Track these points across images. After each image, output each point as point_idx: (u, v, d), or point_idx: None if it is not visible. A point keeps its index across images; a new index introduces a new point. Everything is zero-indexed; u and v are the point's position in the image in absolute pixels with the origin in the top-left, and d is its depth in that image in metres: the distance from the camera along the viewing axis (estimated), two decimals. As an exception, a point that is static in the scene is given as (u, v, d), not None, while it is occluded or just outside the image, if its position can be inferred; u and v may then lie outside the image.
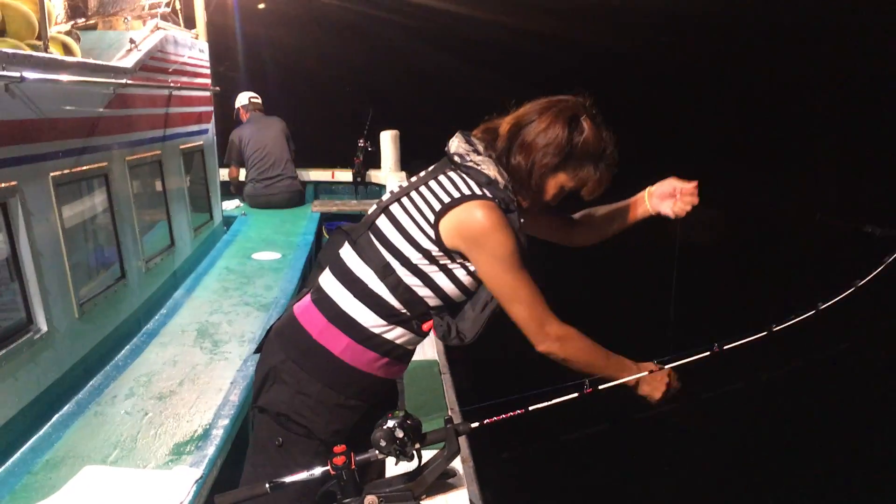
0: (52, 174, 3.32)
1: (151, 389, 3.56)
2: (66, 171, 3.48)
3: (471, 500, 1.93)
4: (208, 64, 6.56)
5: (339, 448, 1.82)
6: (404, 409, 1.86)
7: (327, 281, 2.04)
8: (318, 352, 1.99)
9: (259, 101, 8.18)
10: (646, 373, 2.00)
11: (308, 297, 2.09)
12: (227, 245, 6.47)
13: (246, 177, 7.97)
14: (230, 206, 7.83)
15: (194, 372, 3.72)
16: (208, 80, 6.51)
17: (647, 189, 2.25)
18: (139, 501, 2.56)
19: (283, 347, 2.05)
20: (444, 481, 1.98)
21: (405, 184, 2.04)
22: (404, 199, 1.97)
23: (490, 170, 1.91)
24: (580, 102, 1.96)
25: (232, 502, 1.82)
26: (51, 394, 3.21)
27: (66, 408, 3.30)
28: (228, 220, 7.26)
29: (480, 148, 1.96)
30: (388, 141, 8.29)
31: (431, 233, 1.90)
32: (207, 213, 6.36)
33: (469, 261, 1.92)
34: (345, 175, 8.64)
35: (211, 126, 6.58)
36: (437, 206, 1.89)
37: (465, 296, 1.99)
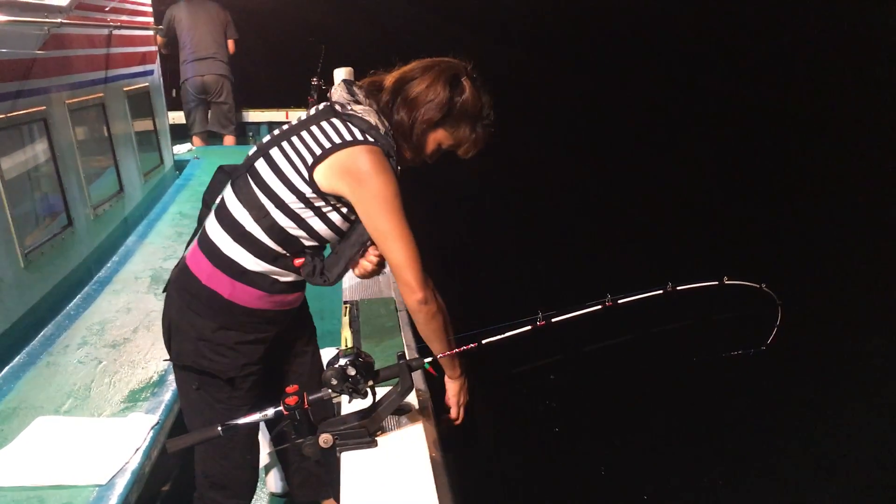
0: (-15, 119, 3.19)
1: (105, 338, 3.51)
2: (1, 116, 3.34)
3: (427, 434, 1.94)
4: (149, 2, 6.29)
5: (291, 388, 1.81)
6: (356, 347, 1.85)
7: (210, 224, 2.05)
8: (209, 296, 2.00)
9: None
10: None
11: (196, 240, 2.10)
12: (179, 189, 6.34)
13: (180, 59, 7.75)
14: (182, 149, 7.65)
15: (148, 319, 3.67)
16: (150, 19, 6.26)
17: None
18: (94, 449, 2.54)
19: (179, 295, 2.07)
20: (400, 417, 1.99)
21: (286, 126, 2.03)
22: (284, 143, 1.96)
23: (371, 117, 1.94)
24: (462, 64, 2.03)
25: (184, 446, 1.81)
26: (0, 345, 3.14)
27: (16, 359, 3.24)
28: (180, 165, 7.09)
29: (361, 97, 1.98)
30: (342, 78, 8.08)
31: (307, 176, 1.91)
32: (157, 157, 6.20)
33: (344, 204, 1.95)
34: (300, 114, 8.45)
35: (156, 67, 6.36)
36: (318, 151, 1.90)
37: (337, 236, 2.02)
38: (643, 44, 16.89)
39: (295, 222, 1.94)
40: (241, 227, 1.97)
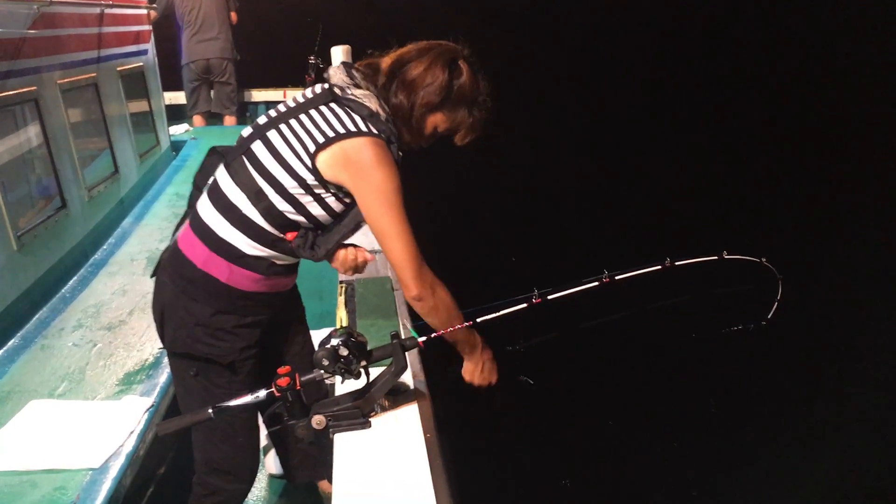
0: (-26, 100, 3.14)
1: (100, 320, 3.48)
2: (-10, 96, 3.30)
3: (421, 415, 1.91)
4: (142, -21, 6.21)
5: (282, 370, 1.78)
6: (349, 327, 1.81)
7: (204, 206, 1.99)
8: (206, 280, 1.96)
9: None
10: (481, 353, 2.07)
11: (188, 224, 2.05)
12: (176, 170, 6.29)
13: (182, 39, 7.67)
14: (178, 130, 7.59)
15: (144, 301, 3.64)
16: (143, -2, 6.19)
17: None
18: (88, 432, 2.52)
19: (172, 280, 2.02)
20: (394, 397, 1.96)
21: (283, 108, 1.99)
22: (283, 126, 1.92)
23: (371, 103, 1.91)
24: (458, 48, 2.01)
25: (174, 429, 1.78)
26: (-7, 328, 3.12)
27: (10, 342, 3.22)
28: (177, 145, 7.04)
29: (360, 81, 1.96)
30: (339, 56, 8.00)
31: (310, 164, 1.87)
32: (153, 137, 6.15)
33: (343, 192, 1.92)
34: (297, 94, 8.38)
35: (150, 46, 6.29)
36: (320, 139, 1.86)
37: (332, 219, 1.99)
38: (642, 30, 16.79)
39: (293, 207, 1.91)
40: (238, 210, 1.92)
